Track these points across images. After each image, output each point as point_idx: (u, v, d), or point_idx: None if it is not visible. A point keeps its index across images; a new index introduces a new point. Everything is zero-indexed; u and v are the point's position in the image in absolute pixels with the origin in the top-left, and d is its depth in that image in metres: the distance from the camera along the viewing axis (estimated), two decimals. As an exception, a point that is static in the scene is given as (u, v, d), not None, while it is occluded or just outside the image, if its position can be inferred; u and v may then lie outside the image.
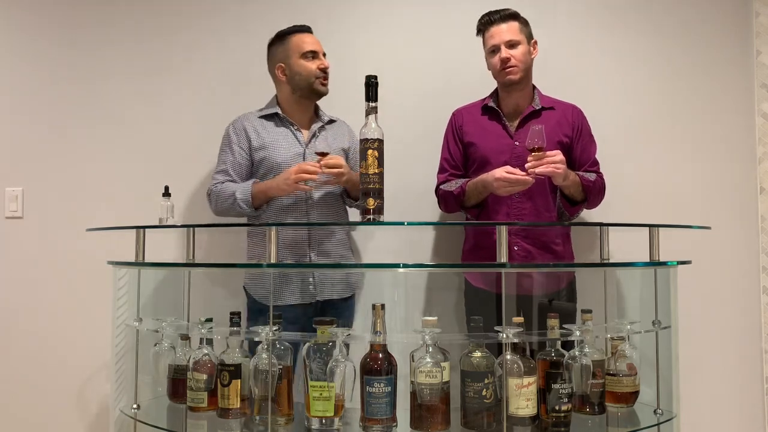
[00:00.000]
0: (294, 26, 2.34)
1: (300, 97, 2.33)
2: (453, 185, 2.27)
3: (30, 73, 2.82)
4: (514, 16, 2.24)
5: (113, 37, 2.78)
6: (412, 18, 2.68)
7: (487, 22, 2.25)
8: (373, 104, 1.76)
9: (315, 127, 2.36)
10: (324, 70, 2.31)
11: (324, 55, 2.34)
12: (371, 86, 1.76)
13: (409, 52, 2.66)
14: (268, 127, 2.33)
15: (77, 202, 2.75)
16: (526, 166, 2.02)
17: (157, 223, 2.23)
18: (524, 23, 2.25)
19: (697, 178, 2.59)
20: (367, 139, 1.74)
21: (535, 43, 2.28)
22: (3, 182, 2.81)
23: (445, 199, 2.30)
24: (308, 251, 2.27)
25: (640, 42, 2.63)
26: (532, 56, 2.26)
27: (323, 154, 2.11)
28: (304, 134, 2.35)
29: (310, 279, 2.25)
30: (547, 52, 2.55)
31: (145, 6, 2.78)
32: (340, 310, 2.29)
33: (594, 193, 2.23)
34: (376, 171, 1.74)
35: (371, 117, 1.75)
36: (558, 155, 2.03)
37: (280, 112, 2.35)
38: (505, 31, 2.21)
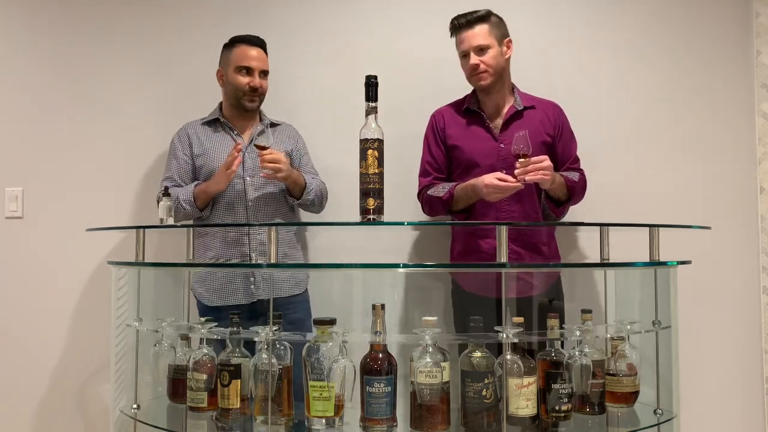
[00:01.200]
0: (245, 36, 2.38)
1: (231, 105, 2.39)
2: (440, 190, 2.24)
3: (30, 74, 2.82)
4: (482, 18, 2.20)
5: (113, 37, 2.78)
6: (411, 17, 2.68)
7: (456, 27, 2.23)
8: (373, 104, 1.75)
9: (255, 131, 2.40)
10: (253, 89, 2.34)
11: (263, 73, 2.37)
12: (371, 86, 1.76)
13: (408, 51, 2.66)
14: (209, 133, 2.40)
15: (77, 202, 2.75)
16: (515, 172, 2.00)
17: (157, 223, 2.24)
18: (495, 24, 2.21)
19: (698, 178, 2.59)
20: (367, 139, 1.74)
21: (510, 42, 2.25)
22: (3, 182, 2.81)
23: (430, 204, 2.28)
24: (249, 251, 2.31)
25: (640, 42, 2.63)
26: (506, 56, 2.24)
27: (263, 148, 2.14)
28: (245, 138, 2.40)
29: (251, 279, 2.29)
30: (544, 50, 2.56)
31: (146, 6, 2.78)
32: (290, 308, 2.30)
33: (578, 192, 2.24)
34: (376, 171, 1.74)
35: (371, 117, 1.75)
36: (545, 161, 2.02)
37: (220, 117, 2.42)
38: (474, 36, 2.19)
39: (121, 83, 2.77)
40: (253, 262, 2.31)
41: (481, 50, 2.19)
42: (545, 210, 2.28)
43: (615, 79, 2.62)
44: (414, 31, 2.67)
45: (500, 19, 2.24)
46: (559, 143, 2.27)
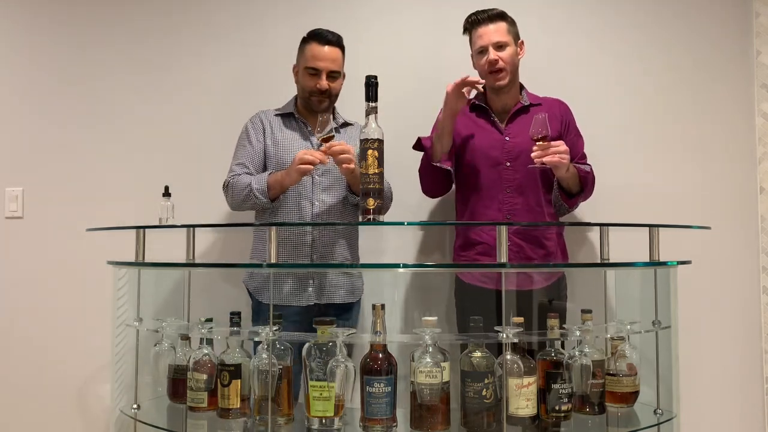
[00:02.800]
0: (318, 32, 2.27)
1: (302, 104, 2.34)
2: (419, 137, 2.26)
3: (30, 74, 2.82)
4: (501, 16, 2.21)
5: (113, 37, 2.78)
6: (411, 18, 2.68)
7: (474, 22, 2.22)
8: (373, 104, 1.76)
9: (329, 130, 2.29)
10: (321, 92, 2.25)
11: (333, 74, 2.25)
12: (371, 86, 1.76)
13: (408, 51, 2.66)
14: (283, 126, 2.34)
15: (77, 202, 2.75)
16: (533, 155, 2.00)
17: (157, 223, 2.23)
18: (511, 23, 2.23)
19: (697, 178, 2.59)
20: (367, 139, 1.74)
21: (522, 43, 2.25)
22: (3, 182, 2.81)
23: (422, 167, 2.26)
24: (311, 253, 2.25)
25: (640, 42, 2.63)
26: (519, 57, 2.25)
27: (327, 139, 2.02)
28: (318, 137, 2.32)
29: (310, 281, 2.25)
30: (543, 50, 2.55)
31: (146, 6, 2.78)
32: (343, 315, 2.27)
33: (589, 185, 2.24)
34: (376, 171, 1.74)
35: (371, 117, 1.75)
36: (563, 145, 2.02)
37: (295, 112, 2.35)
38: (493, 32, 2.18)
39: (122, 83, 2.77)
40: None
41: (500, 47, 2.18)
42: (557, 201, 2.26)
43: (614, 79, 2.62)
44: (418, 32, 2.67)
45: (513, 20, 2.25)
46: (565, 140, 2.24)
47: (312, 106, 2.29)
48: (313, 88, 2.25)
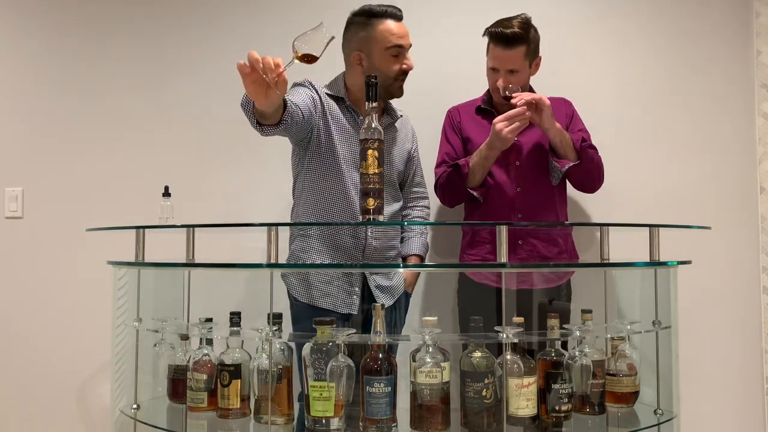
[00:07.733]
0: (386, 8, 2.03)
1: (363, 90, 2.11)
2: (458, 164, 2.20)
3: (30, 74, 2.82)
4: (522, 38, 2.12)
5: (113, 37, 2.79)
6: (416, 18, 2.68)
7: (493, 36, 2.16)
8: (373, 104, 1.75)
9: (385, 122, 2.17)
10: (406, 72, 2.07)
11: (408, 48, 2.07)
12: (371, 86, 1.75)
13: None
14: (337, 109, 2.10)
15: (77, 202, 2.75)
16: (513, 101, 2.02)
17: (157, 223, 2.23)
18: (532, 41, 2.16)
19: (697, 178, 2.59)
20: (367, 139, 1.74)
21: (539, 59, 2.24)
22: (3, 182, 2.81)
23: (449, 184, 2.22)
24: (362, 258, 2.12)
25: (641, 42, 2.63)
26: (533, 74, 2.24)
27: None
28: None
29: (355, 288, 2.11)
30: (544, 49, 2.55)
31: (146, 5, 2.78)
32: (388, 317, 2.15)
33: (587, 159, 2.15)
34: (376, 171, 1.74)
35: (371, 117, 1.75)
36: (542, 96, 2.04)
37: (346, 98, 2.12)
38: (507, 58, 2.14)
39: (122, 83, 2.77)
40: (366, 272, 2.14)
41: (512, 72, 2.17)
42: (553, 170, 2.20)
43: (614, 79, 2.63)
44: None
45: (536, 32, 2.19)
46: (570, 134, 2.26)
47: (392, 94, 2.09)
48: (398, 70, 2.04)
